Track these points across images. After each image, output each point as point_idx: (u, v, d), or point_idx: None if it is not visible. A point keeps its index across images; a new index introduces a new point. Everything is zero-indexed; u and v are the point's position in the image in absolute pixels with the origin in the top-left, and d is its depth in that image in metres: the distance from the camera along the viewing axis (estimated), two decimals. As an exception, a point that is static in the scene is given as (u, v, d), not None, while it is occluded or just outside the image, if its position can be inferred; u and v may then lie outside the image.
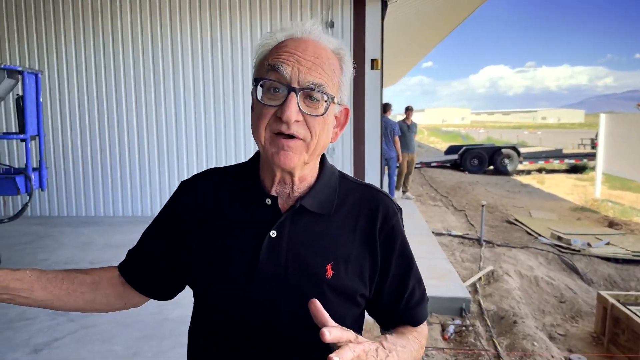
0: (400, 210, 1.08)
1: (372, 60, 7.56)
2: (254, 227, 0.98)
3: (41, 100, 4.12)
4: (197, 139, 7.64)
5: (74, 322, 3.75)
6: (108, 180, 7.62)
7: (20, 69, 3.85)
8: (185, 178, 1.14)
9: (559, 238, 7.10)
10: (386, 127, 8.82)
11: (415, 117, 10.24)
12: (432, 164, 17.41)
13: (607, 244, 6.89)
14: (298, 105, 0.90)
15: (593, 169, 14.39)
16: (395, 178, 9.41)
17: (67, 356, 3.34)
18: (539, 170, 17.06)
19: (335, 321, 0.89)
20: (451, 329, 4.18)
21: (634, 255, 6.38)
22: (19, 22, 7.52)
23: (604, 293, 4.35)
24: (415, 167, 15.81)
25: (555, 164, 17.44)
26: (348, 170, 7.69)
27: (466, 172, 15.98)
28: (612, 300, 4.17)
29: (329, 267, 0.96)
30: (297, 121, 0.91)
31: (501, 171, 16.12)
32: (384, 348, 0.88)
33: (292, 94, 0.89)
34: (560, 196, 11.78)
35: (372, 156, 7.74)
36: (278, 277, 0.95)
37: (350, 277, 0.98)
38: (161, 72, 7.57)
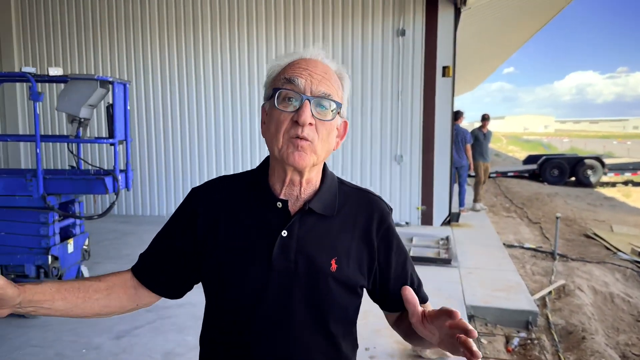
0: (391, 209, 1.23)
1: (444, 68, 7.52)
2: (267, 228, 1.10)
3: (128, 108, 4.49)
4: None
5: (152, 313, 4.06)
6: (188, 182, 8.09)
7: (110, 79, 4.22)
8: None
9: (641, 254, 6.69)
10: (457, 135, 8.69)
11: (494, 125, 10.01)
12: (509, 174, 16.79)
13: (697, 263, 6.40)
14: (311, 111, 1.04)
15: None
16: (465, 187, 9.23)
17: (145, 343, 3.64)
18: (625, 183, 16.00)
19: (339, 309, 1.11)
20: (515, 341, 4.10)
21: None
22: (111, 36, 8.18)
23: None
24: (491, 177, 15.39)
25: (644, 176, 16.28)
26: (416, 178, 7.68)
27: (545, 183, 15.29)
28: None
29: (333, 261, 1.09)
30: (310, 124, 1.04)
31: (583, 183, 15.28)
32: None
33: (307, 101, 1.03)
34: (648, 211, 11.03)
35: (441, 164, 7.68)
36: (289, 272, 1.08)
37: (352, 271, 1.12)
38: (237, 81, 7.94)
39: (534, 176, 16.12)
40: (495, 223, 8.79)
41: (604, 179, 15.88)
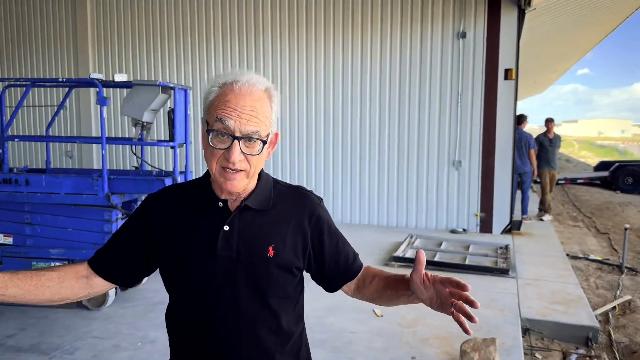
0: (322, 200, 1.42)
1: (506, 70, 7.30)
2: (211, 224, 1.28)
3: (189, 112, 4.67)
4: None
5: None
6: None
7: (172, 85, 4.41)
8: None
9: None
10: (520, 139, 8.39)
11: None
12: (579, 181, 15.99)
13: None
14: (240, 149, 1.20)
15: None
16: (529, 194, 8.87)
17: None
18: None
19: (278, 288, 1.31)
20: (573, 357, 3.91)
21: None
22: (177, 43, 8.55)
23: None
24: (559, 183, 14.69)
25: None
26: (475, 184, 7.49)
27: (618, 191, 14.42)
28: None
29: (270, 248, 1.29)
30: (241, 160, 1.20)
31: (661, 192, 14.29)
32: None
33: (235, 141, 1.19)
34: None
35: (502, 170, 7.45)
36: (232, 259, 1.27)
37: (288, 254, 1.31)
38: (295, 86, 8.06)
39: (605, 184, 15.25)
40: (559, 232, 8.41)
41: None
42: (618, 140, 62.56)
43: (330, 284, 1.44)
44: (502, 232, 7.46)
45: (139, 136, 4.58)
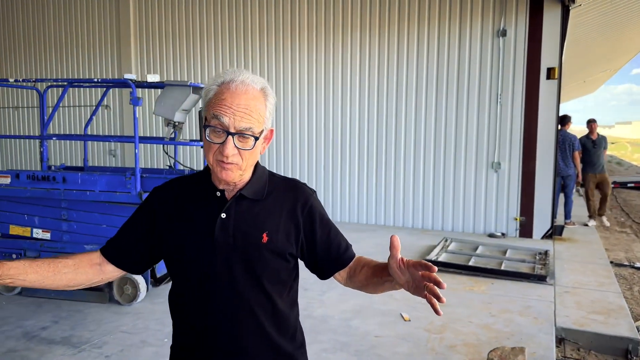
0: (315, 191, 1.50)
1: (549, 69, 7.05)
2: (210, 212, 1.38)
3: (220, 112, 4.72)
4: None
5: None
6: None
7: (202, 85, 4.47)
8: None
9: None
10: (564, 141, 8.07)
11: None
12: (629, 185, 15.29)
13: None
14: (234, 143, 1.29)
15: None
16: (572, 198, 8.51)
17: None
18: None
19: (272, 272, 1.39)
20: (610, 371, 3.72)
21: None
22: (216, 44, 8.68)
23: None
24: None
25: None
26: (515, 187, 7.27)
27: (672, 196, 13.71)
28: None
29: (264, 235, 1.37)
30: (234, 154, 1.29)
31: None
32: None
33: (230, 137, 1.28)
34: None
35: (544, 173, 7.19)
36: (229, 245, 1.36)
37: (281, 241, 1.39)
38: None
39: (659, 188, 14.53)
40: (604, 238, 8.04)
41: None
42: (676, 143, 59.38)
43: (321, 272, 1.51)
44: (542, 237, 7.20)
45: (171, 136, 4.66)
